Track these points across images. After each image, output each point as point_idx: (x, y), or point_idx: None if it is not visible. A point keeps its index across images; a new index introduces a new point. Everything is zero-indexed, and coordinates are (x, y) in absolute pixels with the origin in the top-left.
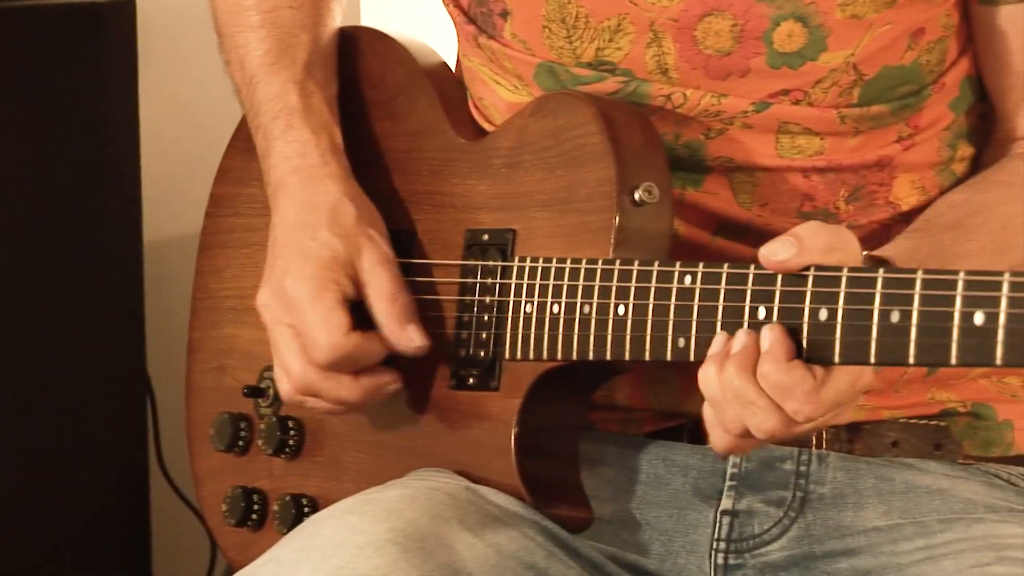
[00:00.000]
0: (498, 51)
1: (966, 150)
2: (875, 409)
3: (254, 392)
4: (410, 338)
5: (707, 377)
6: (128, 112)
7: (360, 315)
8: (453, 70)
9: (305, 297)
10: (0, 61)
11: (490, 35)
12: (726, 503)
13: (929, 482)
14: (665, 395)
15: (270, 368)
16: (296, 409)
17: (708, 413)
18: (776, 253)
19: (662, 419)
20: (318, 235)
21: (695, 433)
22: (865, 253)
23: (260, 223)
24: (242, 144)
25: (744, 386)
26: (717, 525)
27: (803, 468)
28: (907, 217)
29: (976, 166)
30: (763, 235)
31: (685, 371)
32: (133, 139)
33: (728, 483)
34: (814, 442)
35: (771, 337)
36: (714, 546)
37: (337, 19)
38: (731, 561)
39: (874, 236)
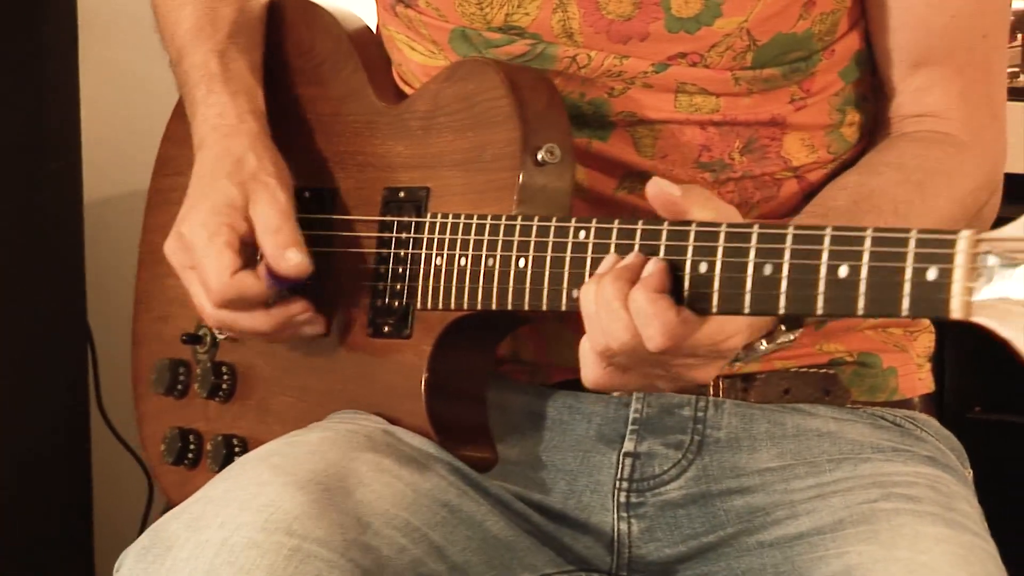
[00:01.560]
0: (414, 19)
1: (854, 116)
2: (768, 360)
3: (192, 339)
4: (287, 258)
5: (586, 291)
6: (69, 79)
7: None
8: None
9: (198, 242)
10: None
11: (406, 4)
12: (628, 446)
13: (819, 425)
14: (565, 349)
15: None
16: (230, 354)
17: (583, 345)
18: (666, 185)
19: (566, 371)
20: (217, 183)
21: None
22: None
23: None
24: (184, 110)
25: (613, 295)
26: (620, 466)
27: (700, 414)
28: (796, 172)
29: (865, 133)
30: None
31: (581, 327)
32: (74, 103)
33: (630, 427)
34: (711, 390)
35: (651, 268)
36: (617, 485)
37: None
38: (633, 499)
39: (766, 187)
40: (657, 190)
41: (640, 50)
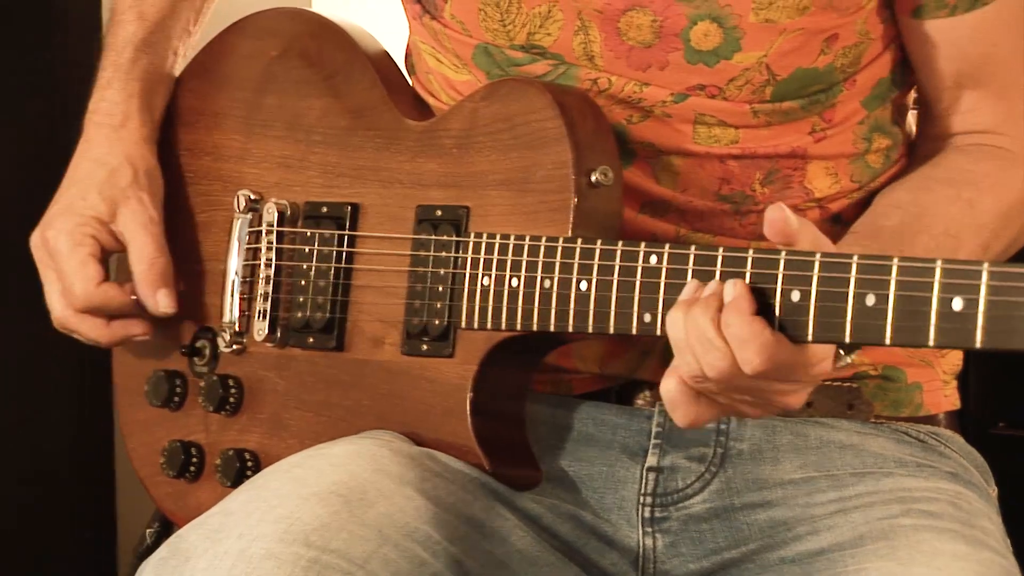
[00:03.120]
0: (439, 31)
1: (882, 142)
2: None
3: (191, 352)
4: (157, 301)
5: (674, 320)
6: (88, 93)
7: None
8: (404, 49)
9: (63, 249)
10: None
11: (432, 16)
12: (651, 460)
13: (842, 438)
14: (589, 359)
15: (204, 329)
16: (233, 367)
17: (667, 385)
18: (787, 213)
19: (589, 382)
20: (87, 196)
21: (622, 395)
22: None
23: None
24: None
25: (707, 325)
26: (643, 481)
27: (723, 426)
28: (820, 203)
29: (895, 158)
30: (685, 213)
31: (609, 339)
32: None
33: (653, 441)
34: None
35: (734, 291)
36: (641, 500)
37: None
38: (657, 514)
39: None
40: (780, 214)
41: (660, 78)
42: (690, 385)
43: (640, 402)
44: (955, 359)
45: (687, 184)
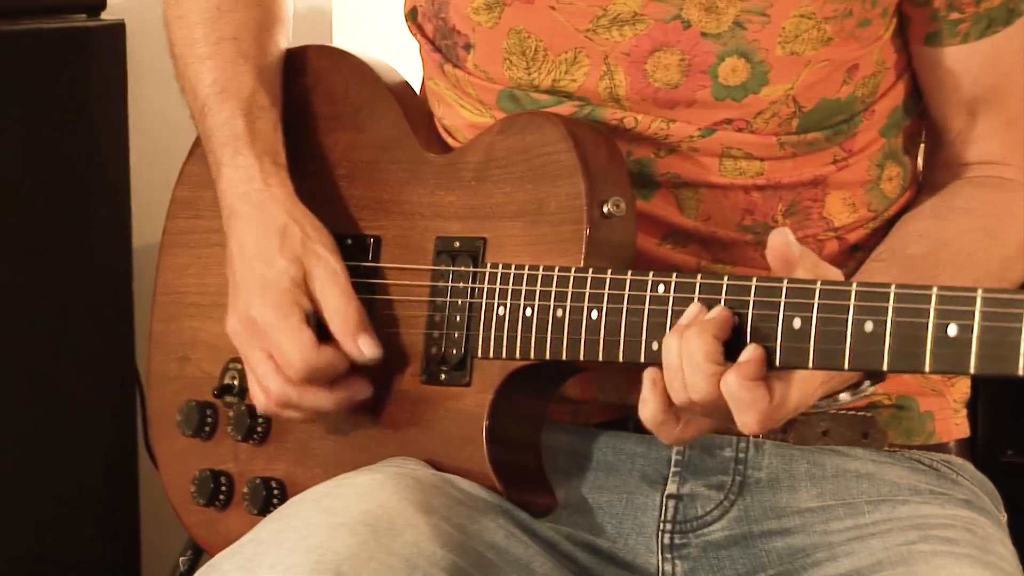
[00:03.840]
0: (462, 79)
1: (893, 169)
2: None
3: (224, 391)
4: (361, 350)
5: (669, 344)
6: (118, 127)
7: (323, 330)
8: (417, 88)
9: (273, 323)
10: None
11: (455, 64)
12: (671, 488)
13: (858, 467)
14: (611, 389)
15: (235, 360)
16: None
17: (647, 410)
18: (791, 240)
19: (609, 411)
20: (273, 263)
21: (641, 423)
22: None
23: (219, 224)
24: (201, 151)
25: (698, 348)
26: (663, 508)
27: (741, 455)
28: (838, 233)
29: (906, 185)
30: (707, 244)
31: (629, 369)
32: (123, 152)
33: (673, 469)
34: None
35: (750, 355)
36: (661, 527)
37: (281, 44)
38: (676, 541)
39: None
40: (783, 239)
41: (687, 115)
42: (679, 407)
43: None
44: (964, 387)
45: (710, 214)
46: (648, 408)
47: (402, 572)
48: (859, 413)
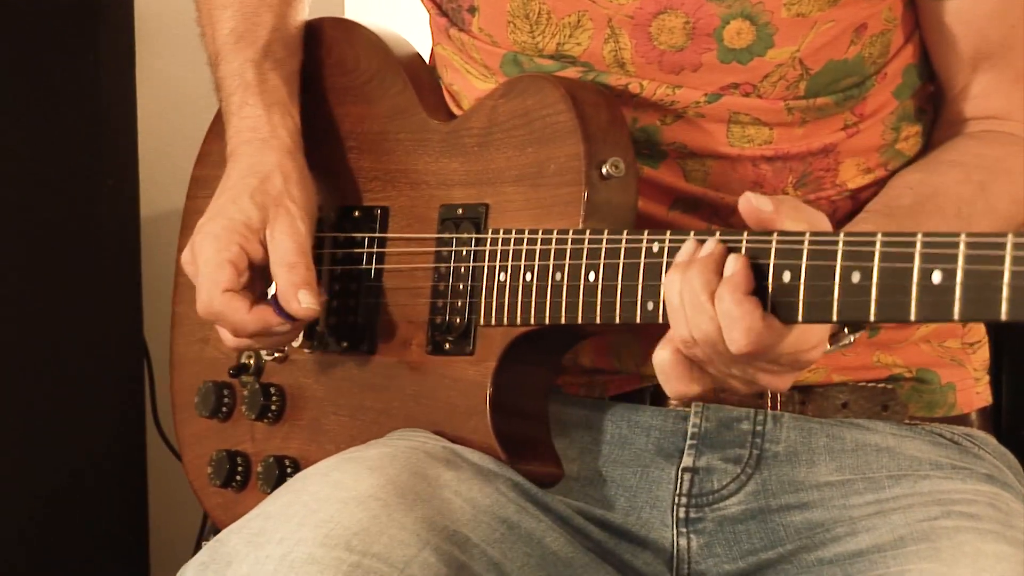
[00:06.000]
0: (467, 43)
1: (910, 129)
2: (826, 373)
3: (240, 370)
4: (299, 299)
5: (671, 282)
6: (126, 96)
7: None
8: (427, 58)
9: (205, 253)
10: (2, 50)
11: (460, 28)
12: (687, 461)
13: (878, 440)
14: (628, 357)
15: None
16: (276, 376)
17: (660, 356)
18: (757, 200)
19: (625, 383)
20: (239, 200)
21: (657, 396)
22: None
23: None
24: (220, 129)
25: (700, 287)
26: (679, 481)
27: (759, 428)
28: (854, 194)
29: (925, 143)
30: (717, 209)
31: (646, 336)
32: (131, 121)
33: (689, 442)
34: (769, 403)
35: (736, 266)
36: (676, 501)
37: (302, 10)
38: (692, 515)
39: (821, 210)
40: (749, 206)
41: (692, 80)
42: (683, 352)
43: (674, 403)
44: (984, 354)
45: (718, 185)
46: (661, 353)
47: (413, 547)
48: (879, 385)
